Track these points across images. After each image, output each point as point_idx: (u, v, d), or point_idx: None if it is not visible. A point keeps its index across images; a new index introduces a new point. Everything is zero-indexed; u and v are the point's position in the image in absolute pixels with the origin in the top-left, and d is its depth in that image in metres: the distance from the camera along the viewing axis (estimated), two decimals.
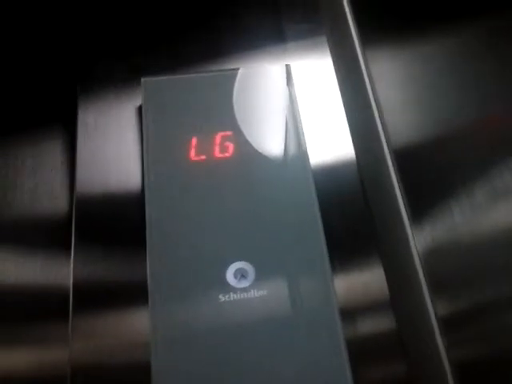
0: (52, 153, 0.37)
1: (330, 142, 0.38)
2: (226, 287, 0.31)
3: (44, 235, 0.34)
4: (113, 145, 0.36)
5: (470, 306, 0.31)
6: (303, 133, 0.36)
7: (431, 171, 0.33)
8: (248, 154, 0.35)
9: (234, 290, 0.31)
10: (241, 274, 0.31)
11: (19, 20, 0.41)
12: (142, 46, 0.40)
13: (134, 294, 0.32)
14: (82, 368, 0.30)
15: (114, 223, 0.34)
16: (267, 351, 0.30)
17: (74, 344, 0.30)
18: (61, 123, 0.38)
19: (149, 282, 0.31)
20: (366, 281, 0.33)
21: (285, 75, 0.38)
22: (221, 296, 0.31)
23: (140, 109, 0.37)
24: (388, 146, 0.36)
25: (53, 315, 0.32)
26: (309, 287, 0.32)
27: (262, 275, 0.31)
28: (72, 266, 0.32)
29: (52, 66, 0.40)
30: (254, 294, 0.31)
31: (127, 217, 0.34)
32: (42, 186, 0.36)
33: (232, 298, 0.31)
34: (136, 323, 0.31)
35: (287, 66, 0.38)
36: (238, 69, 0.38)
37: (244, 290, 0.31)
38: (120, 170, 0.36)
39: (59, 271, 0.33)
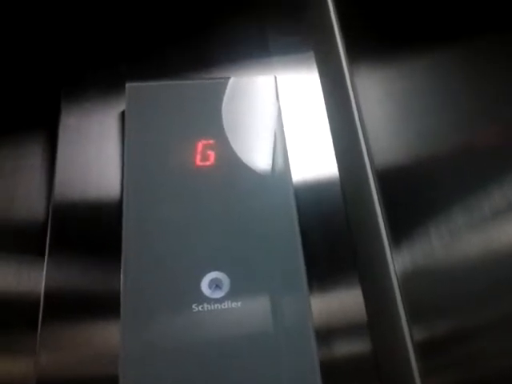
0: (32, 156, 0.36)
1: (314, 158, 0.38)
2: (200, 297, 0.30)
3: (19, 240, 0.34)
4: (94, 150, 0.36)
5: (446, 332, 0.30)
6: (286, 147, 0.36)
7: (413, 193, 0.33)
8: (229, 164, 0.35)
9: (208, 300, 0.30)
10: (215, 285, 0.31)
11: (4, 23, 0.41)
12: (129, 54, 0.40)
13: (106, 305, 0.31)
14: (47, 380, 0.29)
15: (91, 231, 0.33)
16: (239, 365, 0.29)
17: (42, 355, 0.29)
18: (43, 127, 0.37)
19: (122, 290, 0.30)
20: (343, 301, 0.33)
21: (273, 87, 0.38)
22: (194, 306, 0.30)
23: (123, 114, 0.36)
24: (371, 165, 0.36)
25: (22, 324, 0.31)
26: (284, 303, 0.31)
27: (237, 287, 0.31)
28: (45, 273, 0.32)
29: (36, 69, 0.40)
30: (228, 305, 0.30)
31: (105, 224, 0.34)
32: (20, 189, 0.35)
33: (206, 309, 0.30)
34: (107, 335, 0.30)
35: (275, 78, 0.38)
36: (227, 78, 0.38)
37: (218, 300, 0.30)
38: (100, 175, 0.35)
39: (32, 278, 0.32)
